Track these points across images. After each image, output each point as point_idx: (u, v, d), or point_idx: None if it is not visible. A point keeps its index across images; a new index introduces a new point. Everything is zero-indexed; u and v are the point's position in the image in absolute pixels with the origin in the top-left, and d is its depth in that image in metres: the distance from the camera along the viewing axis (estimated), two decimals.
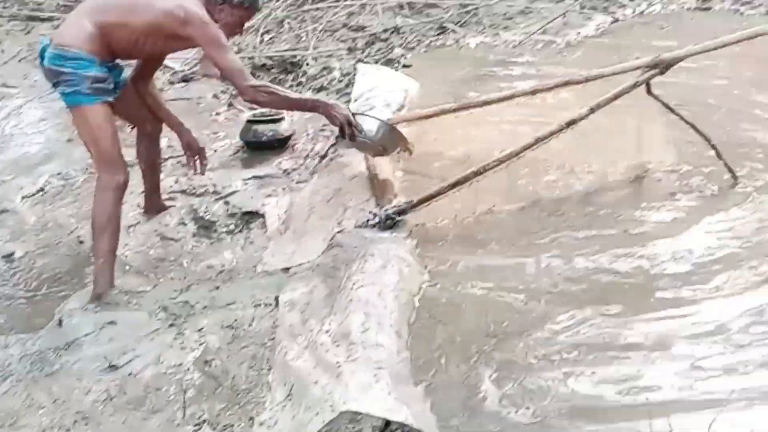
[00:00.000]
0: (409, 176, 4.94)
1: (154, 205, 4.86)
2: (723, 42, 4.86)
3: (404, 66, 7.01)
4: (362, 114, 4.77)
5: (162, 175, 5.01)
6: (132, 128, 4.83)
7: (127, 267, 4.36)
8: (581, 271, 3.93)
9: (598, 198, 4.61)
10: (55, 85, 4.08)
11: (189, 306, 3.88)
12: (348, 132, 4.39)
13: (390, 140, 4.66)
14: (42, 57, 4.09)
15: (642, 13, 8.04)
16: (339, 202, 4.56)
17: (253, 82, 4.22)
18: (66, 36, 4.04)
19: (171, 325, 3.73)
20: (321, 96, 6.48)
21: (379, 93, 6.05)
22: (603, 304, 3.64)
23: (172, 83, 7.05)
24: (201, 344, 3.55)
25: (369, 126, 4.56)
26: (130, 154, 4.72)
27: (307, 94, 6.61)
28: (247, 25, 4.53)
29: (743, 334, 3.36)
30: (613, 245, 4.10)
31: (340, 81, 6.80)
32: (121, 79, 4.30)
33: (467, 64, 7.01)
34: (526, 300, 3.70)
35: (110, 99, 4.09)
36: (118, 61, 4.24)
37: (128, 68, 4.52)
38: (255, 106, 5.88)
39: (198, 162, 4.74)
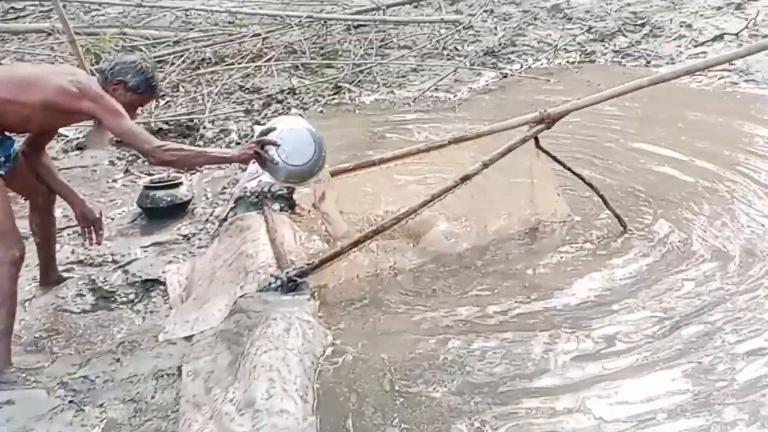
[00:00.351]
0: (310, 237, 4.97)
1: (50, 278, 4.75)
2: (606, 96, 5.07)
3: None
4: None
5: (57, 246, 4.90)
6: (25, 200, 4.73)
7: (24, 343, 4.23)
8: (484, 324, 4.02)
9: (494, 252, 4.74)
10: None
11: (89, 381, 3.79)
12: (260, 162, 4.28)
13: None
14: None
15: (530, 67, 8.33)
16: (240, 266, 4.54)
17: (158, 143, 4.11)
18: None
19: (71, 402, 3.63)
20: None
21: None
22: (507, 357, 3.73)
23: (66, 151, 6.95)
24: (102, 420, 3.47)
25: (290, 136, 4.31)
26: (24, 225, 4.64)
27: None
28: (139, 110, 4.51)
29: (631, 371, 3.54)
30: (510, 298, 4.24)
31: (238, 143, 6.82)
32: (12, 152, 4.21)
33: (363, 123, 7.14)
34: (431, 357, 3.75)
35: (2, 172, 4.01)
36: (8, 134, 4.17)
37: (19, 140, 4.44)
38: (153, 171, 5.87)
39: (93, 233, 4.66)
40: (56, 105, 4.01)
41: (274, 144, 4.20)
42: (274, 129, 4.28)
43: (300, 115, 7.29)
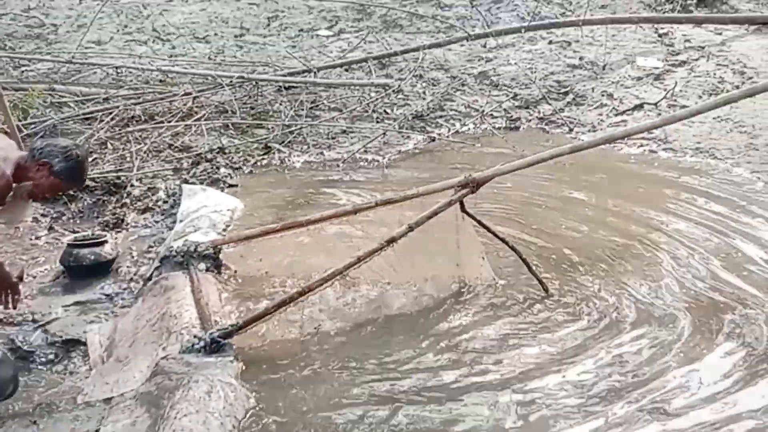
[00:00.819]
0: (235, 298, 4.96)
1: None
2: (529, 161, 5.25)
3: (230, 186, 7.09)
4: None
5: None
6: None
7: None
8: (408, 387, 4.06)
9: (420, 314, 4.80)
10: None
11: None
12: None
13: None
14: None
15: (457, 132, 8.49)
16: (164, 326, 4.51)
17: None
18: None
19: None
20: (146, 216, 6.49)
21: (204, 213, 6.08)
22: (432, 420, 3.76)
23: None
24: None
25: None
26: None
27: (132, 216, 6.56)
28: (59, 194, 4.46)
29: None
30: (438, 364, 4.31)
31: (166, 201, 6.78)
32: None
33: (292, 184, 7.18)
34: (353, 420, 3.76)
35: None
36: None
37: None
38: (78, 229, 5.83)
39: (9, 298, 4.55)
40: None
41: None
42: None
43: (228, 175, 7.31)
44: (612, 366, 4.23)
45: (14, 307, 4.62)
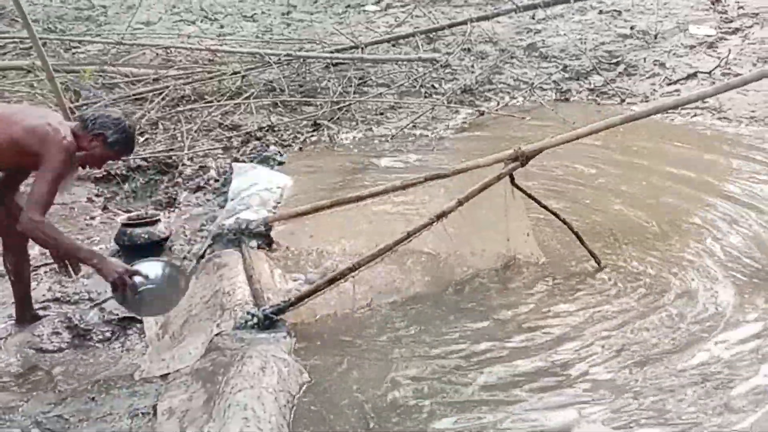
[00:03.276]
0: (287, 274, 4.99)
1: (25, 316, 4.73)
2: (580, 134, 5.15)
3: (279, 163, 7.12)
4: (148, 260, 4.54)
5: (34, 284, 4.90)
6: None
7: None
8: (459, 362, 4.05)
9: (469, 288, 4.78)
10: None
11: (63, 420, 3.79)
12: (120, 291, 4.24)
13: (173, 289, 4.41)
14: None
15: (506, 105, 8.42)
16: (217, 303, 4.55)
17: (38, 217, 4.04)
18: None
19: None
20: (197, 195, 6.55)
21: (255, 191, 6.12)
22: (482, 393, 3.75)
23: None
24: None
25: (153, 271, 4.34)
26: None
27: (184, 195, 6.62)
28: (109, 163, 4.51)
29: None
30: (485, 336, 4.27)
31: (217, 180, 6.83)
32: None
33: (342, 160, 7.19)
34: (406, 395, 3.76)
35: None
36: None
37: None
38: (131, 209, 5.91)
39: (70, 266, 4.64)
40: (22, 145, 4.02)
41: (142, 276, 4.23)
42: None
43: (278, 153, 7.34)
44: (666, 338, 4.17)
45: (77, 275, 4.69)
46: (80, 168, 4.39)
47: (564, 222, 5.05)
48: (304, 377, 3.87)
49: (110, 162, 4.51)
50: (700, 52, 9.36)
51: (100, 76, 9.04)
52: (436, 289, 4.81)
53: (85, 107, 8.05)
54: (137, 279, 4.21)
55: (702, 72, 8.76)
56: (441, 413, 3.62)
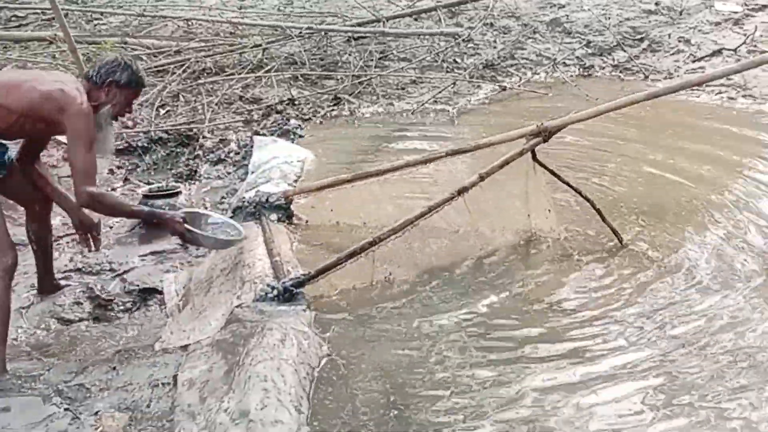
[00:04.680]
0: (307, 248, 5.00)
1: (47, 286, 4.77)
2: (603, 109, 5.10)
3: (300, 137, 7.12)
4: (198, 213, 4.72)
5: (56, 254, 4.93)
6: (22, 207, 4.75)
7: (20, 350, 4.25)
8: (478, 336, 4.05)
9: (489, 264, 4.77)
10: None
11: (85, 389, 3.81)
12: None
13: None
14: None
15: (528, 81, 8.37)
16: (237, 275, 4.56)
17: (94, 190, 4.10)
18: None
19: (66, 410, 3.65)
20: (218, 167, 6.57)
21: (275, 164, 6.12)
22: (502, 367, 3.75)
23: (65, 159, 6.96)
24: (97, 428, 3.49)
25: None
26: (21, 233, 4.67)
27: (204, 167, 6.64)
28: (135, 102, 4.54)
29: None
30: (504, 311, 4.27)
31: (237, 153, 6.84)
32: (6, 159, 4.23)
33: (362, 134, 7.18)
34: (426, 368, 3.77)
35: None
36: (1, 141, 4.19)
37: (14, 147, 4.46)
38: (152, 180, 5.92)
39: (92, 239, 4.67)
40: (39, 112, 4.03)
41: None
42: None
43: (299, 126, 7.33)
44: (688, 317, 4.14)
45: (97, 249, 4.73)
46: (114, 121, 4.39)
47: (586, 198, 5.02)
48: (324, 350, 3.88)
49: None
50: (726, 28, 9.27)
51: (122, 47, 9.04)
52: (456, 264, 4.80)
53: None
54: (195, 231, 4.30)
55: (727, 49, 8.68)
56: (460, 387, 3.62)
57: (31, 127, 4.11)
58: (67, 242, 5.37)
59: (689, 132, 6.85)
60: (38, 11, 10.68)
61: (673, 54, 8.81)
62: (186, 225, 4.27)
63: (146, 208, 4.49)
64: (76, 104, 4.02)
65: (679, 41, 9.10)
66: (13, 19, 10.78)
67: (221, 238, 4.42)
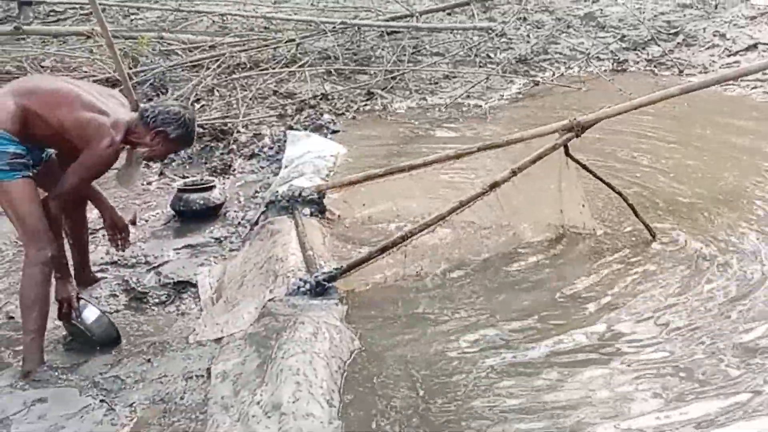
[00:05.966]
0: (339, 242, 5.03)
1: (84, 278, 4.82)
2: (636, 104, 5.08)
3: (333, 132, 7.15)
4: None
5: (92, 247, 5.00)
6: None
7: (57, 342, 4.32)
8: (510, 332, 4.05)
9: (521, 259, 4.77)
10: None
11: (120, 380, 3.87)
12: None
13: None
14: None
15: (561, 75, 8.34)
16: (270, 269, 4.60)
17: (55, 207, 4.14)
18: None
19: (102, 401, 3.71)
20: (252, 162, 6.62)
21: (308, 159, 6.16)
22: (533, 363, 3.76)
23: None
24: (132, 420, 3.55)
25: None
26: None
27: (239, 162, 6.69)
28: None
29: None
30: (536, 306, 4.25)
31: (271, 147, 6.89)
32: (44, 156, 4.27)
33: (395, 129, 7.19)
34: (457, 363, 3.78)
35: (30, 174, 4.04)
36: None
37: None
38: (187, 175, 6.01)
39: (121, 240, 4.73)
40: (69, 137, 4.06)
41: None
42: None
43: (332, 121, 7.36)
44: (719, 312, 4.12)
45: (124, 249, 4.79)
46: (145, 163, 4.43)
47: (619, 193, 5.00)
48: (355, 344, 3.91)
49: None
50: (762, 22, 9.16)
51: (158, 42, 9.13)
52: (488, 259, 4.80)
53: (143, 73, 8.18)
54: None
55: (763, 43, 8.59)
56: (490, 383, 3.63)
57: (65, 143, 4.15)
58: (103, 235, 5.41)
59: (722, 127, 6.79)
60: (76, 6, 10.81)
61: (708, 48, 8.74)
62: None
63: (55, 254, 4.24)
64: (101, 146, 4.03)
65: (714, 35, 9.02)
66: (51, 14, 10.92)
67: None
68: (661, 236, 4.91)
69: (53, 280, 4.17)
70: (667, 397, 3.44)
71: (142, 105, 4.33)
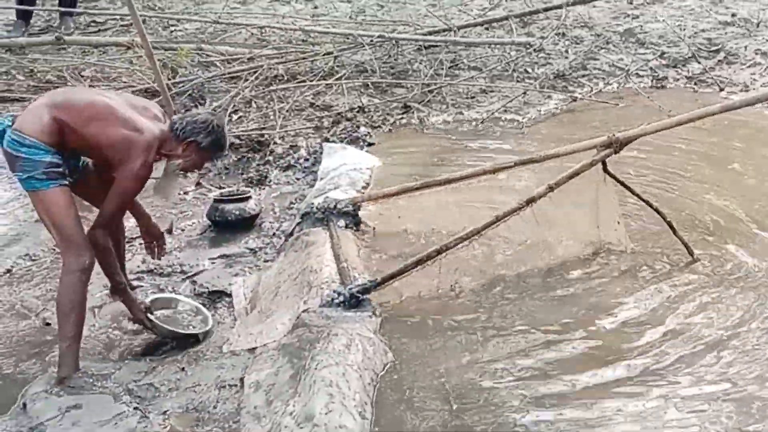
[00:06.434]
0: (374, 254, 5.02)
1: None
2: (676, 121, 5.03)
3: (369, 144, 7.15)
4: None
5: (128, 255, 5.03)
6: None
7: (93, 349, 4.36)
8: (544, 349, 4.02)
9: (556, 274, 4.73)
10: (11, 168, 4.07)
11: (154, 388, 3.89)
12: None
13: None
14: (1, 138, 4.06)
15: (600, 91, 8.27)
16: (305, 280, 4.61)
17: (101, 238, 4.14)
18: (25, 123, 4.02)
19: (135, 408, 3.73)
20: (287, 173, 6.64)
21: (344, 171, 6.17)
22: (567, 380, 3.72)
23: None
24: (165, 428, 3.56)
25: None
26: None
27: (274, 173, 6.71)
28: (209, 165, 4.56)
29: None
30: (571, 325, 4.23)
31: (307, 159, 6.90)
32: (80, 164, 4.30)
33: (431, 143, 7.18)
34: (490, 378, 3.76)
35: (66, 182, 4.07)
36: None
37: None
38: (223, 185, 6.03)
39: (157, 249, 4.76)
40: (104, 151, 4.09)
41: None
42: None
43: (368, 134, 7.36)
44: (761, 336, 4.05)
45: (160, 258, 4.81)
46: (182, 174, 4.47)
47: (657, 211, 4.95)
48: (389, 356, 3.90)
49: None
50: None
51: (197, 54, 9.20)
52: (522, 275, 4.77)
53: (181, 84, 8.24)
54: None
55: None
56: (524, 399, 3.61)
57: (97, 155, 4.19)
58: (140, 243, 5.45)
59: (763, 145, 6.70)
60: (117, 17, 10.92)
61: (749, 66, 8.63)
62: (148, 314, 4.38)
63: (123, 285, 4.43)
64: (135, 168, 4.03)
65: (756, 53, 8.91)
66: (92, 24, 11.04)
67: (179, 331, 4.44)
68: (700, 255, 4.84)
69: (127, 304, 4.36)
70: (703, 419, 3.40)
71: (172, 118, 4.34)
